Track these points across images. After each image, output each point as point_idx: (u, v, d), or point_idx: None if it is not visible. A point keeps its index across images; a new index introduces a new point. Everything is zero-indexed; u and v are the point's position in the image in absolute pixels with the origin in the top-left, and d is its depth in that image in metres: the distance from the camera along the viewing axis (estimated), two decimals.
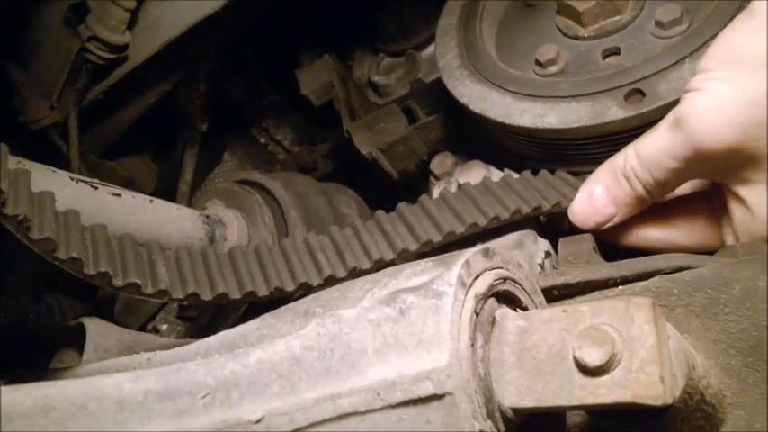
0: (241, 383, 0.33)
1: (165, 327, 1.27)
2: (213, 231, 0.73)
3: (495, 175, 0.71)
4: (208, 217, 0.73)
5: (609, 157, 0.65)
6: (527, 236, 0.63)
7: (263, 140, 1.35)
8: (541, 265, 0.61)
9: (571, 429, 0.44)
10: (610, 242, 0.62)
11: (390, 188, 0.97)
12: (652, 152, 0.55)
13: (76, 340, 0.71)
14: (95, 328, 0.69)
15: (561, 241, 0.63)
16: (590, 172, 0.67)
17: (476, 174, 0.70)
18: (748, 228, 0.54)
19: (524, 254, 0.60)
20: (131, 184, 1.03)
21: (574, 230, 0.62)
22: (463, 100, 0.72)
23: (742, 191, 0.53)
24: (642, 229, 0.61)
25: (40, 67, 0.92)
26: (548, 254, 0.63)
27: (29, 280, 1.02)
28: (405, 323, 0.35)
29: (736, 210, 0.55)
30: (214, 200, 0.78)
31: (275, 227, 0.78)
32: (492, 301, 0.40)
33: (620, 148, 0.64)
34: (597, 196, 0.60)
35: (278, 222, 0.79)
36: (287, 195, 0.80)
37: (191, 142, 1.20)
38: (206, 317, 1.23)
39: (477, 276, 0.39)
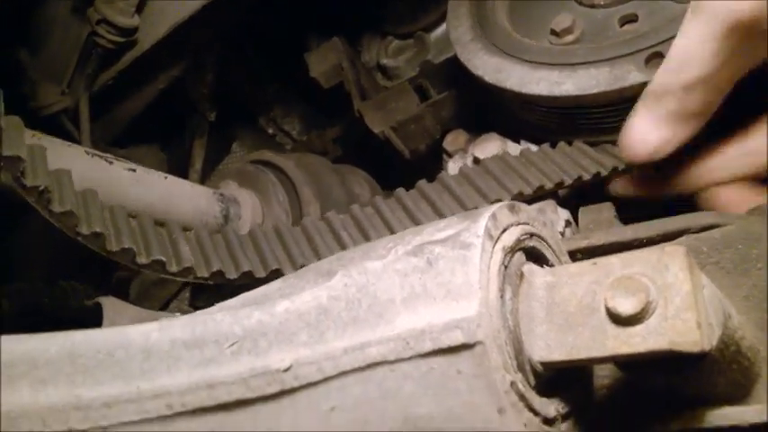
0: (269, 332, 0.33)
1: (177, 315, 1.27)
2: (228, 209, 0.72)
3: (512, 147, 0.71)
4: (222, 195, 0.72)
5: None
6: (547, 205, 0.62)
7: (270, 131, 1.35)
8: (562, 234, 0.60)
9: (599, 389, 0.43)
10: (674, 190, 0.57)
11: (402, 170, 0.96)
12: (681, 50, 0.50)
13: (93, 321, 0.71)
14: (112, 306, 0.69)
15: (582, 210, 0.62)
16: (608, 142, 0.66)
17: (492, 146, 0.69)
18: None
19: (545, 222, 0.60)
20: None
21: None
22: (478, 72, 0.71)
23: None
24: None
25: (49, 53, 0.92)
26: (568, 222, 0.62)
27: (43, 266, 1.02)
28: (432, 273, 0.34)
29: None
30: (228, 180, 0.78)
31: (289, 205, 0.78)
32: (519, 255, 0.39)
33: None
34: (638, 122, 0.54)
35: (291, 201, 0.78)
36: (300, 174, 0.79)
37: (199, 132, 1.20)
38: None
39: (505, 230, 0.38)
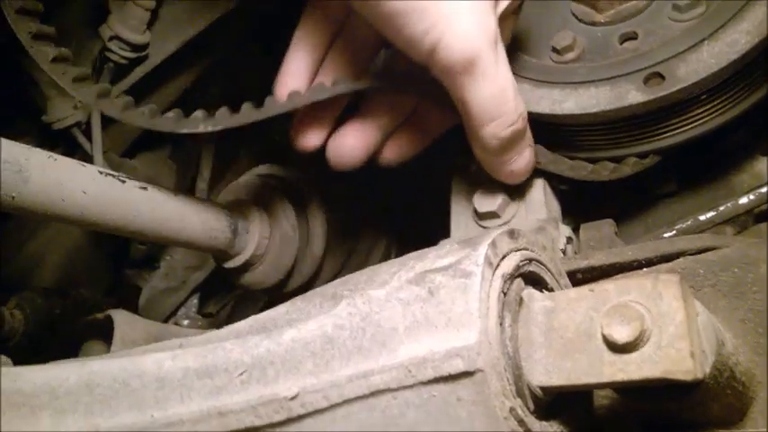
0: (276, 361, 0.34)
1: (186, 322, 1.29)
2: (236, 224, 0.73)
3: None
4: (230, 210, 0.74)
5: (627, 142, 0.65)
6: (548, 222, 0.63)
7: (277, 137, 1.36)
8: (563, 251, 0.61)
9: (598, 410, 0.44)
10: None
11: (406, 174, 0.97)
12: None
13: (103, 332, 0.73)
14: (123, 319, 0.70)
15: (582, 227, 0.63)
16: (608, 159, 0.67)
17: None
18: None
19: (546, 239, 0.61)
20: (152, 183, 1.05)
21: None
22: None
23: None
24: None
25: None
26: (569, 239, 0.63)
27: (55, 275, 1.04)
28: (434, 302, 0.35)
29: None
30: (235, 194, 0.79)
31: (296, 220, 0.79)
32: (519, 281, 0.40)
33: (639, 133, 0.64)
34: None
35: (298, 215, 0.79)
36: (306, 187, 0.80)
37: (207, 140, 1.22)
38: (225, 312, 1.24)
39: (504, 257, 0.39)
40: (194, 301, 1.27)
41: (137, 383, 0.33)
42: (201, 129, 0.64)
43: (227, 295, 1.23)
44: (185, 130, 0.63)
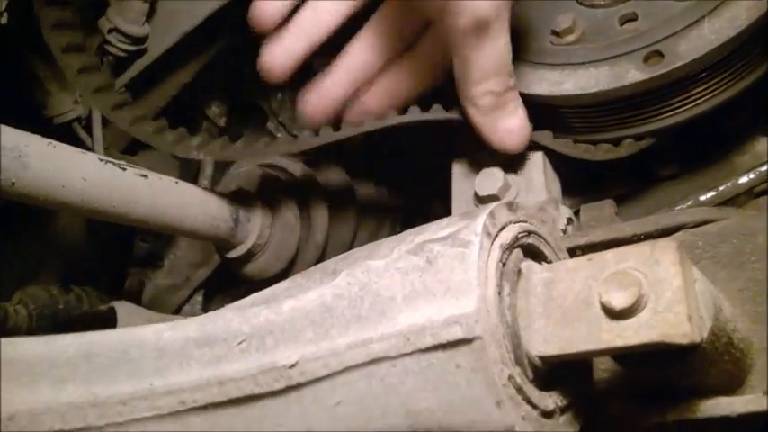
0: (275, 330, 0.34)
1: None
2: (237, 212, 0.74)
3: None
4: (232, 199, 0.74)
5: (626, 123, 0.65)
6: (549, 203, 0.63)
7: (279, 135, 1.37)
8: (564, 231, 0.61)
9: (598, 383, 0.44)
10: None
11: (409, 172, 0.98)
12: None
13: (107, 325, 0.73)
14: (126, 310, 0.70)
15: (583, 207, 0.63)
16: (607, 140, 0.67)
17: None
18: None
19: (546, 219, 0.61)
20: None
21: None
22: None
23: None
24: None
25: None
26: (570, 220, 0.63)
27: (58, 272, 1.04)
28: (432, 271, 0.35)
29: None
30: (237, 183, 0.80)
31: (298, 209, 0.79)
32: (518, 252, 0.40)
33: (639, 113, 0.64)
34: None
35: (300, 203, 0.79)
36: (308, 177, 0.81)
37: (209, 137, 1.22)
38: None
39: (503, 228, 0.39)
40: (198, 298, 1.28)
41: (136, 353, 0.34)
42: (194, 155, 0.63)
43: (232, 292, 1.23)
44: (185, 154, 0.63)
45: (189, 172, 1.21)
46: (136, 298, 1.09)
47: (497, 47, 0.58)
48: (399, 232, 0.95)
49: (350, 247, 0.86)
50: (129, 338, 0.34)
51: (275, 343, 0.34)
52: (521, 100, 0.64)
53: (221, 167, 1.26)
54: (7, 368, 0.32)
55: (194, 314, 1.32)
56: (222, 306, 1.23)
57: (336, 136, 0.65)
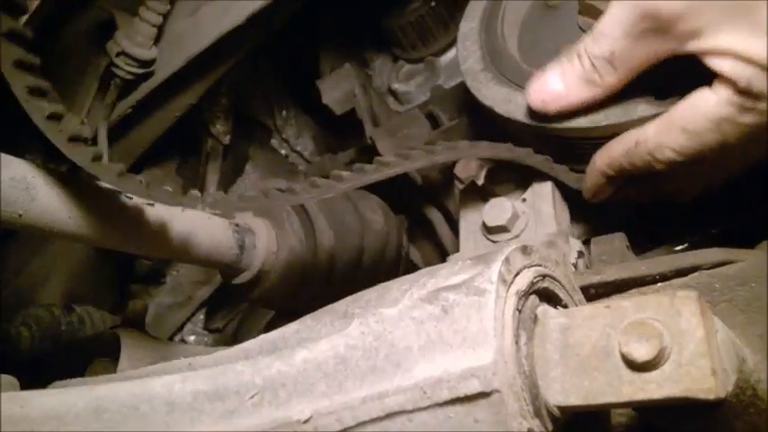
0: (288, 383, 0.33)
1: (192, 338, 1.28)
2: (243, 239, 0.73)
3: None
4: (237, 225, 0.73)
5: None
6: (558, 236, 0.63)
7: (284, 152, 1.36)
8: (575, 265, 0.61)
9: (616, 428, 0.43)
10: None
11: (414, 196, 0.97)
12: (601, 23, 0.56)
13: (110, 350, 0.72)
14: (129, 338, 0.70)
15: (594, 241, 0.63)
16: None
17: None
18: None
19: (557, 254, 0.60)
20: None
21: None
22: (488, 102, 0.72)
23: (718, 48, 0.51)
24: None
25: (69, 84, 0.94)
26: (580, 254, 0.62)
27: (61, 292, 1.03)
28: (448, 321, 0.35)
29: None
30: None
31: (303, 234, 0.78)
32: (533, 298, 0.39)
33: None
34: (549, 72, 0.61)
35: (306, 229, 0.79)
36: (314, 202, 0.80)
37: (213, 155, 1.22)
38: (232, 327, 1.24)
39: (518, 273, 0.39)
40: (201, 316, 1.27)
41: (146, 408, 0.33)
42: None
43: (234, 310, 1.22)
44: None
45: (193, 188, 1.21)
46: (139, 322, 1.08)
47: None
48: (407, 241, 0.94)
49: (358, 266, 0.85)
50: (139, 392, 0.33)
51: (288, 397, 0.33)
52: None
53: (225, 183, 1.26)
54: (13, 426, 0.31)
55: (196, 332, 1.31)
56: (224, 326, 1.21)
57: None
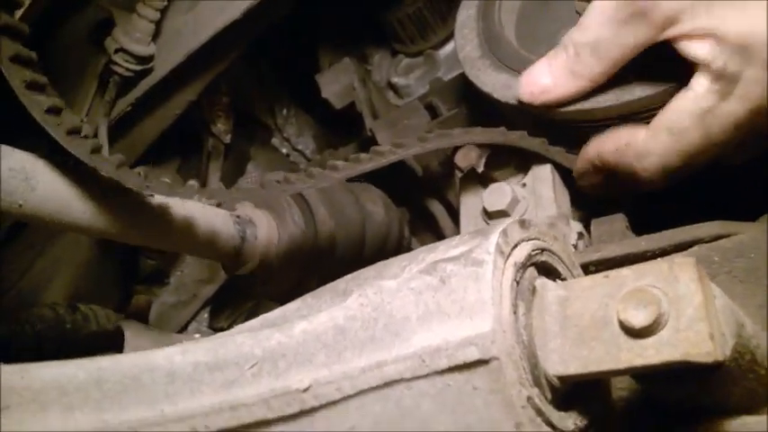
0: (288, 354, 0.33)
1: (197, 336, 1.28)
2: (244, 231, 0.73)
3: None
4: (239, 216, 0.74)
5: None
6: (559, 218, 0.63)
7: (285, 151, 1.37)
8: (575, 246, 0.61)
9: (617, 401, 0.43)
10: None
11: (414, 186, 0.97)
12: (587, 14, 0.57)
13: (114, 345, 0.73)
14: (133, 330, 0.70)
15: (594, 222, 0.63)
16: None
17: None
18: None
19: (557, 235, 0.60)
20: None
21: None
22: (487, 89, 0.72)
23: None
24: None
25: (69, 83, 0.94)
26: (581, 235, 0.62)
27: (65, 293, 1.04)
28: (446, 291, 0.35)
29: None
30: (243, 201, 0.79)
31: (304, 225, 0.79)
32: (531, 270, 0.39)
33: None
34: (537, 65, 0.62)
35: (306, 221, 0.79)
36: (314, 193, 0.80)
37: (215, 153, 1.22)
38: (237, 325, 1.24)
39: (515, 246, 0.39)
40: (205, 315, 1.27)
41: (147, 378, 0.33)
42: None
43: (239, 308, 1.22)
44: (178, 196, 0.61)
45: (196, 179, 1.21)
46: (143, 317, 1.08)
47: None
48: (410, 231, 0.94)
49: (360, 254, 0.85)
50: (141, 363, 0.34)
51: (288, 367, 0.33)
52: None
53: (226, 182, 1.27)
54: (14, 396, 0.31)
55: (201, 331, 1.31)
56: (230, 325, 1.22)
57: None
